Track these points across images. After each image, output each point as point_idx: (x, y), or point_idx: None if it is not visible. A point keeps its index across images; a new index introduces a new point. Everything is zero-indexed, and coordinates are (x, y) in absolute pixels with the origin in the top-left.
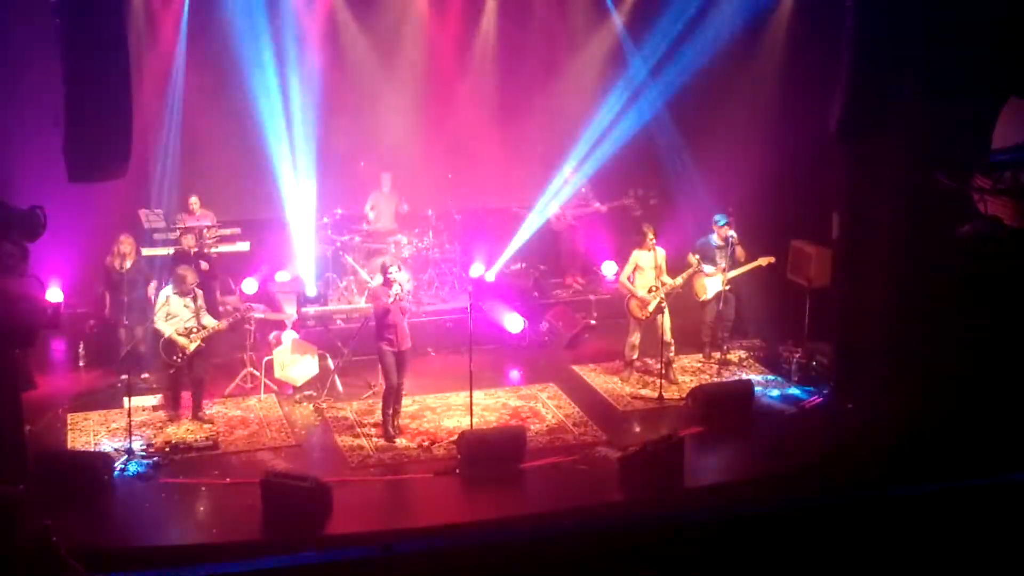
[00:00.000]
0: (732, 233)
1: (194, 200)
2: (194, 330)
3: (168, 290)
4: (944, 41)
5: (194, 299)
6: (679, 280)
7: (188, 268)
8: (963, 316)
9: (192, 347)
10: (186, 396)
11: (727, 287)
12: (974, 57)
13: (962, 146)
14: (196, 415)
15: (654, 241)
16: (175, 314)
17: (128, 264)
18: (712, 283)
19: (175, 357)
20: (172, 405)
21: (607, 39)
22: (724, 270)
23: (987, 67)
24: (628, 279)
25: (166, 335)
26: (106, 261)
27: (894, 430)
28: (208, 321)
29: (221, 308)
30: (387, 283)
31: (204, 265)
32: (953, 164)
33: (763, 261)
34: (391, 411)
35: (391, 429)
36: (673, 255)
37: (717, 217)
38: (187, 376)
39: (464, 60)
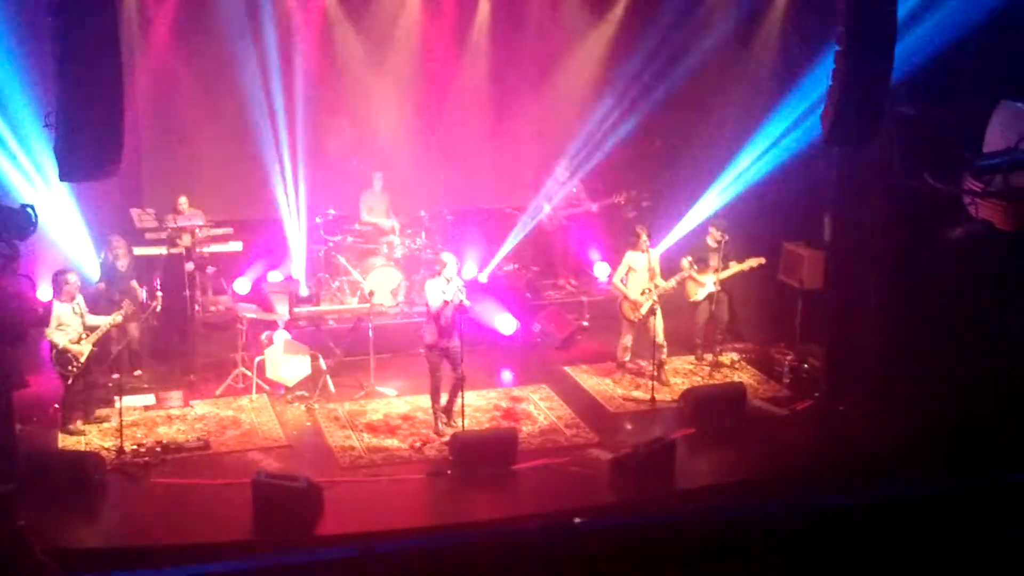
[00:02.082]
0: (721, 235)
1: (183, 200)
2: (84, 335)
3: (57, 300)
4: (935, 44)
5: (79, 303)
6: (672, 282)
7: (70, 272)
8: (954, 319)
9: (86, 352)
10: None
11: (718, 288)
12: (964, 60)
13: (953, 149)
14: (87, 419)
15: (648, 243)
16: (66, 323)
17: (123, 263)
18: (699, 285)
19: (70, 367)
20: (67, 415)
21: (601, 39)
22: (716, 271)
23: (977, 70)
24: (621, 281)
25: (60, 346)
26: (100, 262)
27: (885, 433)
28: (94, 320)
29: (213, 308)
30: (441, 281)
31: (190, 266)
32: (944, 167)
33: (754, 262)
34: (444, 405)
35: (440, 425)
36: (666, 257)
37: (711, 219)
38: (83, 384)
39: (457, 60)
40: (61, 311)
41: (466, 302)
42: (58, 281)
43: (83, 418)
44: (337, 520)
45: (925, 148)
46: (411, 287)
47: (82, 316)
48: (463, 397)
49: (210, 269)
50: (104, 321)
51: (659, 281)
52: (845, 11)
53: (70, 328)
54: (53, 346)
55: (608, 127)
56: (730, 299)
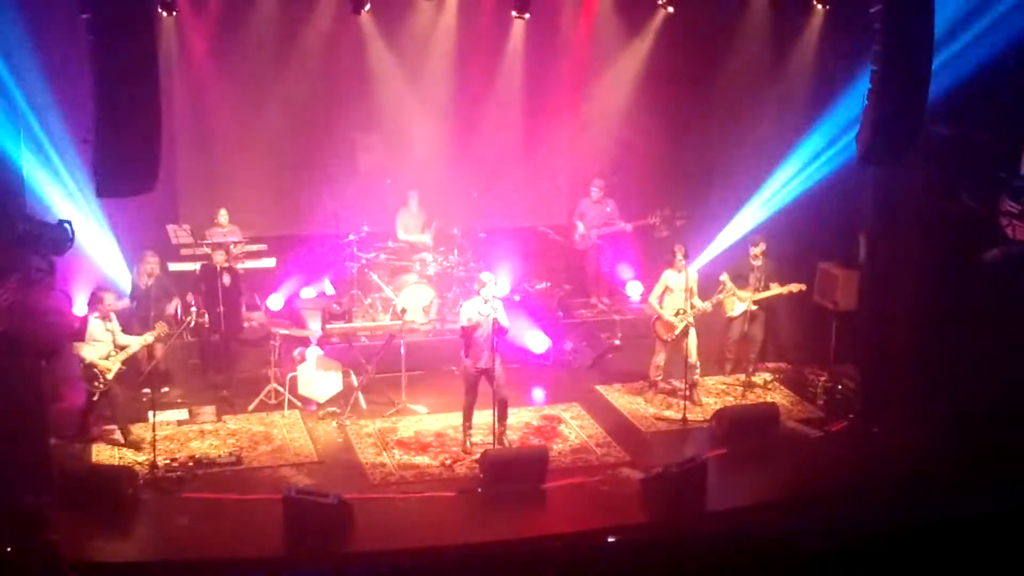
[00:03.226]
0: (759, 253)
1: (223, 213)
2: (112, 353)
3: (92, 316)
4: (972, 64)
5: (112, 323)
6: (708, 304)
7: (108, 292)
8: (990, 340)
9: (113, 369)
10: (94, 420)
11: (754, 307)
12: (1002, 80)
13: (990, 170)
14: (127, 440)
15: (684, 263)
16: (98, 339)
17: (151, 281)
18: (740, 301)
19: (96, 382)
20: (79, 429)
21: (635, 58)
22: (756, 290)
23: (1015, 90)
24: (657, 300)
25: (87, 360)
26: (132, 278)
27: (920, 455)
28: (126, 340)
29: (247, 324)
30: (478, 300)
31: (226, 279)
32: (981, 188)
33: (794, 287)
34: (496, 428)
35: (468, 443)
36: (702, 274)
37: (753, 238)
38: (107, 400)
39: (491, 78)
40: (93, 327)
41: (502, 322)
42: (95, 298)
43: (121, 436)
44: (367, 537)
45: (962, 168)
46: (443, 304)
47: (113, 334)
48: (497, 421)
49: (226, 278)
50: (136, 341)
51: (696, 302)
52: (881, 30)
53: (100, 344)
54: (80, 360)
55: (642, 145)
56: (767, 319)
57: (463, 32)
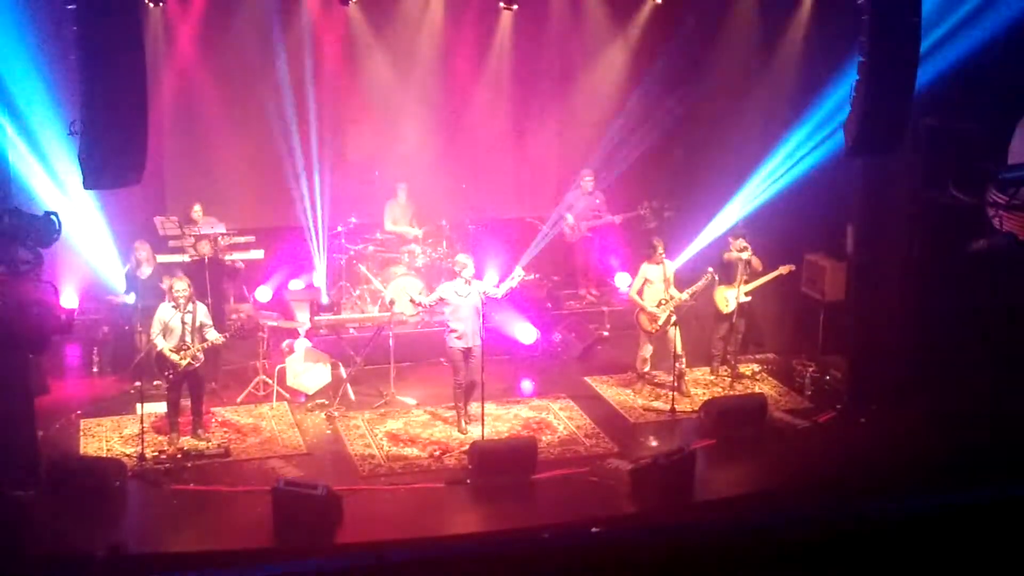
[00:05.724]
0: (746, 245)
1: (197, 208)
2: (184, 347)
3: (165, 303)
4: (960, 54)
5: (192, 313)
6: (686, 294)
7: (178, 279)
8: (978, 331)
9: (183, 364)
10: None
11: (746, 299)
12: (990, 71)
13: (977, 161)
14: (194, 432)
15: (663, 255)
16: (172, 328)
17: (146, 271)
18: (732, 296)
19: (167, 372)
20: (170, 420)
21: (623, 49)
22: (744, 282)
23: (1002, 82)
24: (638, 292)
25: (158, 349)
26: (126, 268)
27: (907, 445)
28: (210, 335)
29: (235, 315)
30: (459, 282)
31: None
32: (968, 179)
33: (783, 270)
34: (461, 405)
35: (463, 425)
36: (689, 267)
37: (731, 229)
38: (183, 392)
39: (479, 70)
40: (166, 315)
41: (492, 293)
42: (166, 287)
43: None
44: (356, 528)
45: (949, 159)
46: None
47: (196, 326)
48: (465, 402)
49: (239, 264)
50: (211, 337)
51: (674, 292)
52: (868, 21)
53: (173, 335)
54: (152, 348)
55: (630, 137)
56: (750, 310)
57: (451, 23)
